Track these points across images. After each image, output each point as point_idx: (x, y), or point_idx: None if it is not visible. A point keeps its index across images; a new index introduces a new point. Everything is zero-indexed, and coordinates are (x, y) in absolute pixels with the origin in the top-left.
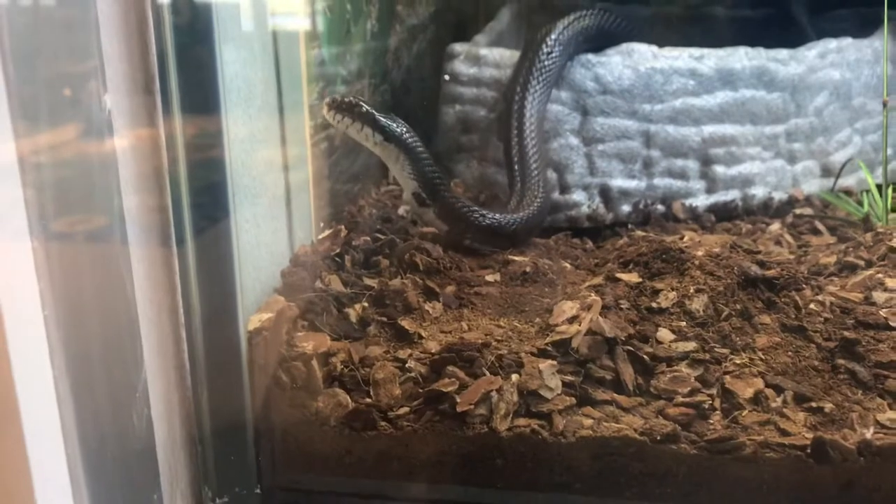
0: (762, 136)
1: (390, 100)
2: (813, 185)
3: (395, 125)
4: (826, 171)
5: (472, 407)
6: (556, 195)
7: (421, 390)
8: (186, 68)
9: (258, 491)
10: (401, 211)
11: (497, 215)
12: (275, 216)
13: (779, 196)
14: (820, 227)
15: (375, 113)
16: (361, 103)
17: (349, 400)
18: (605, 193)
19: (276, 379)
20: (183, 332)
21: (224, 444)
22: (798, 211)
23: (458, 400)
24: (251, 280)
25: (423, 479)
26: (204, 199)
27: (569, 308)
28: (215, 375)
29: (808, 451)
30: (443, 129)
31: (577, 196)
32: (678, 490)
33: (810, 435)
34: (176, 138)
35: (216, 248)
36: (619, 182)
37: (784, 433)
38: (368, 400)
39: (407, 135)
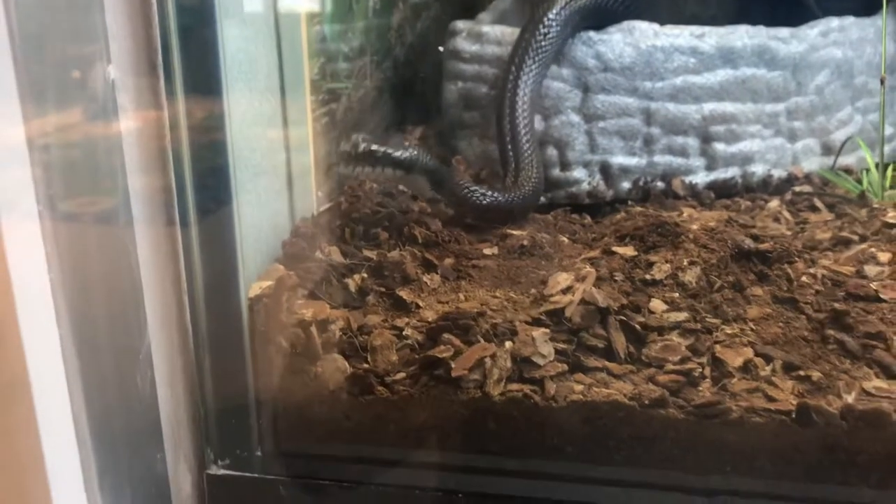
0: (762, 113)
1: (393, 77)
2: (813, 163)
3: (409, 154)
4: (826, 150)
5: (466, 372)
6: (556, 172)
7: (417, 357)
8: (189, 46)
9: (259, 454)
10: (401, 185)
11: (496, 195)
12: (276, 189)
13: (778, 173)
14: (818, 204)
15: (390, 151)
16: (373, 148)
17: (347, 365)
18: (606, 170)
19: (277, 345)
20: (186, 299)
21: (226, 407)
22: (797, 188)
23: (453, 365)
24: (252, 250)
25: (419, 443)
26: (207, 173)
27: (563, 279)
28: (217, 341)
29: (793, 415)
30: (445, 106)
31: (578, 173)
32: (666, 453)
33: (796, 401)
34: (179, 113)
35: (218, 218)
36: (619, 159)
37: (771, 399)
38: (366, 365)
39: (423, 159)
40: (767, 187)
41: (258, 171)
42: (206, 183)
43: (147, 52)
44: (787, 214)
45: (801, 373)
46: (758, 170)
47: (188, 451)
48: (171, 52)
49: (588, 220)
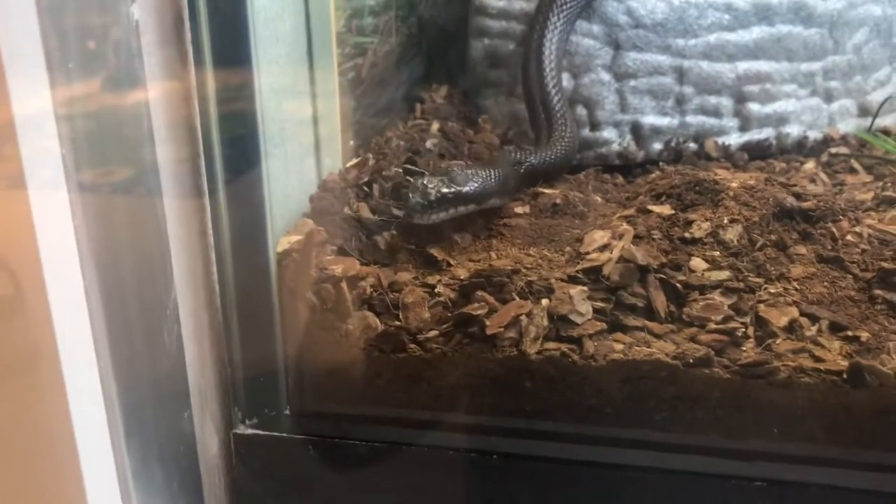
0: (798, 73)
1: (417, 33)
2: (849, 125)
3: (481, 181)
4: (864, 111)
5: (501, 330)
6: (586, 132)
7: (450, 314)
8: (216, 4)
9: (287, 413)
10: (428, 144)
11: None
12: (305, 144)
13: (814, 135)
14: (856, 165)
15: (463, 188)
16: (445, 191)
17: (378, 322)
18: (637, 131)
19: (306, 301)
20: (212, 255)
21: (253, 365)
22: (833, 150)
23: (488, 323)
24: (280, 205)
25: (453, 402)
26: (236, 128)
27: (600, 237)
28: (245, 297)
29: (845, 375)
30: (471, 64)
31: (608, 133)
32: (710, 414)
33: (845, 362)
34: (206, 72)
35: (245, 171)
36: (650, 119)
37: (818, 360)
38: (398, 323)
39: (493, 178)
40: (802, 149)
41: (286, 126)
42: (234, 138)
43: (172, 6)
44: (823, 176)
45: (849, 333)
46: (793, 131)
47: (215, 410)
48: (198, 9)
49: (620, 179)
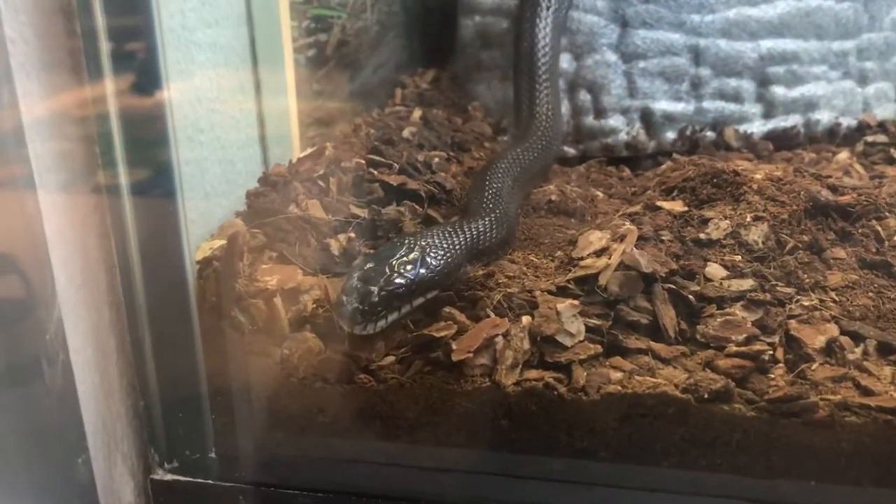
0: (829, 52)
1: (400, 10)
2: (887, 110)
3: (429, 261)
4: None
5: (470, 355)
6: (589, 120)
7: (410, 336)
8: None
9: (213, 455)
10: (406, 133)
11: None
12: (241, 131)
13: (847, 122)
14: None
15: (404, 278)
16: (380, 290)
17: (321, 346)
18: (647, 118)
19: (232, 320)
20: (116, 262)
21: (172, 398)
22: (870, 138)
23: (454, 347)
24: (205, 204)
25: (412, 444)
26: (137, 108)
27: (597, 239)
28: (159, 316)
29: None
30: (461, 45)
31: (615, 121)
32: (730, 461)
33: None
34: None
35: (152, 162)
36: (662, 105)
37: (866, 392)
38: (345, 347)
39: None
40: (834, 137)
41: (215, 108)
42: (136, 121)
43: None
44: (858, 167)
45: None
46: (823, 117)
47: (128, 451)
48: None
49: (627, 172)
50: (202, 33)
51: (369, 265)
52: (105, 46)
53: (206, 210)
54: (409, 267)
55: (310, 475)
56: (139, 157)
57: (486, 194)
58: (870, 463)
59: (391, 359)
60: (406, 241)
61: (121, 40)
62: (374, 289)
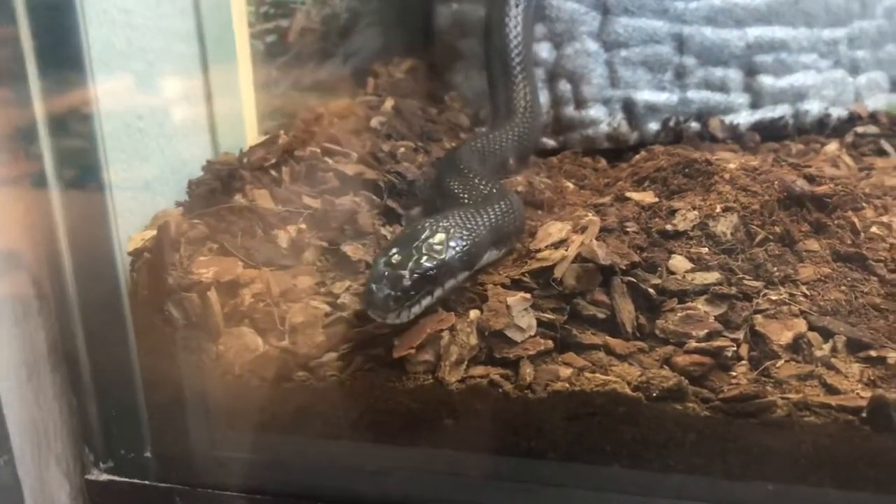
0: (819, 40)
1: None
2: (879, 100)
3: (456, 245)
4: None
5: (412, 351)
6: (570, 110)
7: (352, 331)
8: None
9: (148, 455)
10: (374, 122)
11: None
12: (186, 119)
13: (837, 112)
14: (887, 147)
15: (433, 261)
16: (412, 273)
17: (259, 342)
18: (629, 108)
19: (165, 315)
20: (43, 254)
21: (105, 395)
22: (860, 129)
23: (396, 343)
24: (143, 193)
25: (353, 445)
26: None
27: (557, 230)
28: (90, 310)
29: (864, 413)
30: (437, 32)
31: (595, 112)
32: (683, 462)
33: (867, 393)
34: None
35: (75, 145)
36: (645, 95)
37: (831, 390)
38: (284, 343)
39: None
40: (824, 128)
41: (151, 98)
42: (58, 120)
43: None
44: (847, 159)
45: (872, 353)
46: (812, 108)
47: (62, 451)
48: None
49: (602, 163)
50: (140, 15)
51: (394, 251)
52: (24, 24)
53: (147, 200)
54: (437, 248)
55: (249, 477)
56: (63, 143)
57: (478, 182)
58: (830, 465)
59: (332, 355)
60: (426, 224)
61: (40, 18)
62: (405, 272)
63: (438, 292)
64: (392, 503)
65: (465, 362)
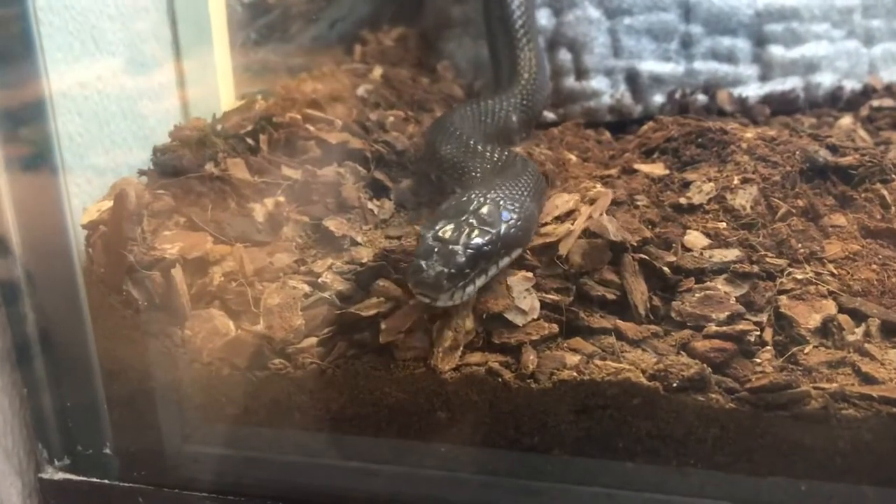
0: (832, 9)
1: None
2: (895, 73)
3: (509, 217)
4: None
5: (401, 336)
6: (570, 81)
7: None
8: None
9: (108, 451)
10: (361, 91)
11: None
12: (153, 82)
13: (851, 85)
14: None
15: (485, 236)
16: (466, 248)
17: (231, 326)
18: (633, 80)
19: (124, 295)
20: None
21: (60, 386)
22: (875, 103)
23: (383, 327)
24: (102, 158)
25: (335, 440)
26: None
27: (563, 202)
28: (41, 290)
29: None
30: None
31: (597, 83)
32: (706, 460)
33: None
34: None
35: (18, 106)
36: (650, 65)
37: (867, 379)
38: (258, 327)
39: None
40: (837, 101)
41: (112, 58)
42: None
43: None
44: (862, 133)
45: None
46: (825, 80)
47: (12, 447)
48: None
49: (606, 136)
50: None
51: (441, 223)
52: None
53: (108, 168)
54: (489, 220)
55: (219, 475)
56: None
57: (489, 152)
58: (871, 464)
59: (312, 340)
60: (471, 196)
61: None
62: (458, 247)
63: (493, 271)
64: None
65: (461, 348)
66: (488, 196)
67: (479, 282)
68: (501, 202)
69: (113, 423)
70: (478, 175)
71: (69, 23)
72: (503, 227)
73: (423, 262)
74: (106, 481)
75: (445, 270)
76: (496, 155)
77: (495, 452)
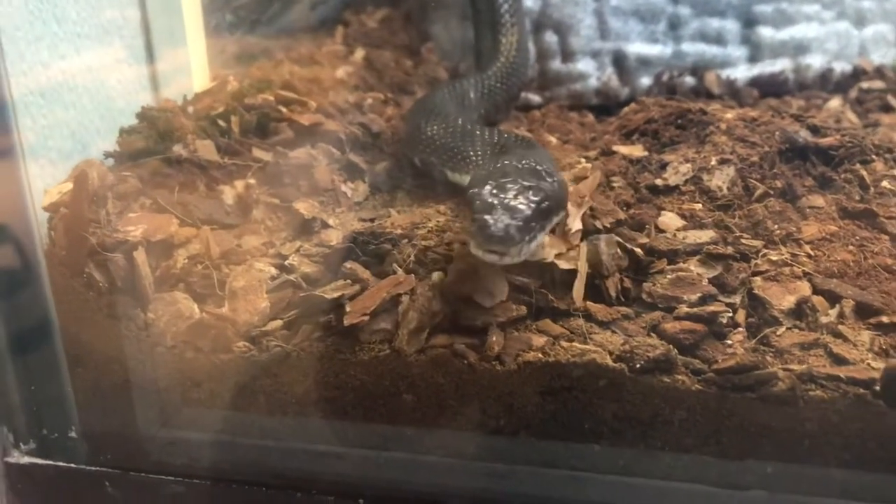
0: None
1: None
2: (886, 55)
3: (549, 180)
4: None
5: (366, 318)
6: (556, 64)
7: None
8: None
9: (73, 435)
10: (340, 73)
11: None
12: (121, 62)
13: (841, 67)
14: (894, 102)
15: (539, 194)
16: (529, 205)
17: (194, 309)
18: (620, 62)
19: (86, 278)
20: None
21: (24, 370)
22: (865, 85)
23: (348, 308)
24: (67, 142)
25: (300, 424)
26: None
27: None
28: (3, 272)
29: (877, 387)
30: None
31: (584, 65)
32: (672, 442)
33: (879, 364)
34: None
35: None
36: (637, 47)
37: (839, 361)
38: (222, 310)
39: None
40: (826, 84)
41: (77, 38)
42: None
43: None
44: (851, 116)
45: (885, 319)
46: (814, 62)
47: None
48: None
49: (589, 118)
50: None
51: (491, 183)
52: None
53: (74, 150)
54: (535, 183)
55: (185, 459)
56: None
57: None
58: (837, 445)
59: (277, 323)
60: (505, 163)
61: None
62: (521, 201)
63: (545, 231)
64: (345, 487)
65: (426, 330)
66: (524, 162)
67: (540, 238)
68: (537, 164)
69: (79, 406)
70: (475, 154)
71: (28, 1)
72: (549, 188)
73: (487, 217)
74: (73, 465)
75: (513, 223)
76: (487, 134)
77: (462, 435)
